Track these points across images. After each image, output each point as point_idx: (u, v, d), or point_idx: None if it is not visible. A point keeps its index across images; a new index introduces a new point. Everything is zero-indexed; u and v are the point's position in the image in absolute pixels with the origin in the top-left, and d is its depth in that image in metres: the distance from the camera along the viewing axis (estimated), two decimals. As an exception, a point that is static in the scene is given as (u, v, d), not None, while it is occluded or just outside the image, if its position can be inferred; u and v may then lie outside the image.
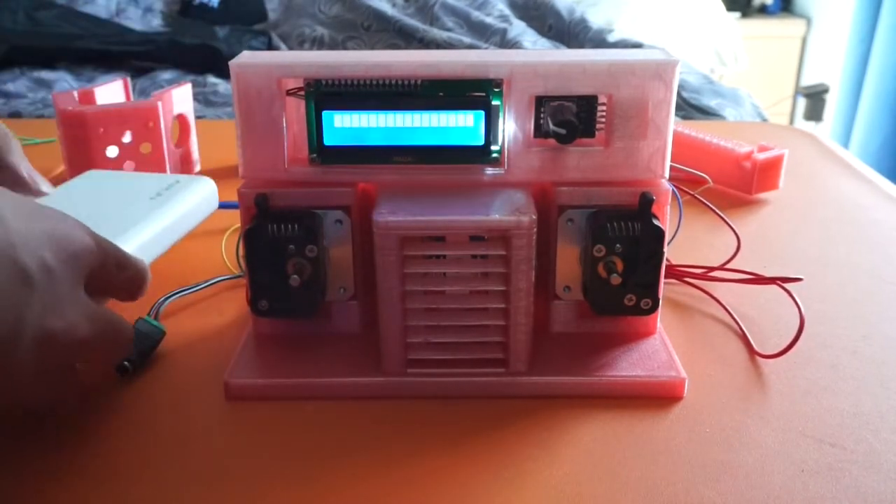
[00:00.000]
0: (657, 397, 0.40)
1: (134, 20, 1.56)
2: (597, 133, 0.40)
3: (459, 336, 0.40)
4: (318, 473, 0.35)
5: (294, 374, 0.40)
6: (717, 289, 0.50)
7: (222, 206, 0.64)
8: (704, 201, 0.52)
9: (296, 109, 0.40)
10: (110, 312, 0.37)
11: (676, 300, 0.49)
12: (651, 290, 0.41)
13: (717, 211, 0.52)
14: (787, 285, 0.46)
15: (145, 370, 0.42)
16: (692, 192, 0.51)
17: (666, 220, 0.41)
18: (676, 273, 0.51)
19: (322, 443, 0.37)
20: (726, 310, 0.48)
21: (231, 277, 0.51)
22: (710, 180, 0.63)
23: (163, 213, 0.48)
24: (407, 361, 0.40)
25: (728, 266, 0.51)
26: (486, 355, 0.40)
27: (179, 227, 0.49)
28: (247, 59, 0.40)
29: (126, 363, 0.41)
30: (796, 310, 0.43)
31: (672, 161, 0.41)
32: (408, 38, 1.47)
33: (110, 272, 0.38)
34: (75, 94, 0.67)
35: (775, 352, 0.43)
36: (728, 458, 0.36)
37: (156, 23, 1.59)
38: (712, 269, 0.51)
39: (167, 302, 0.47)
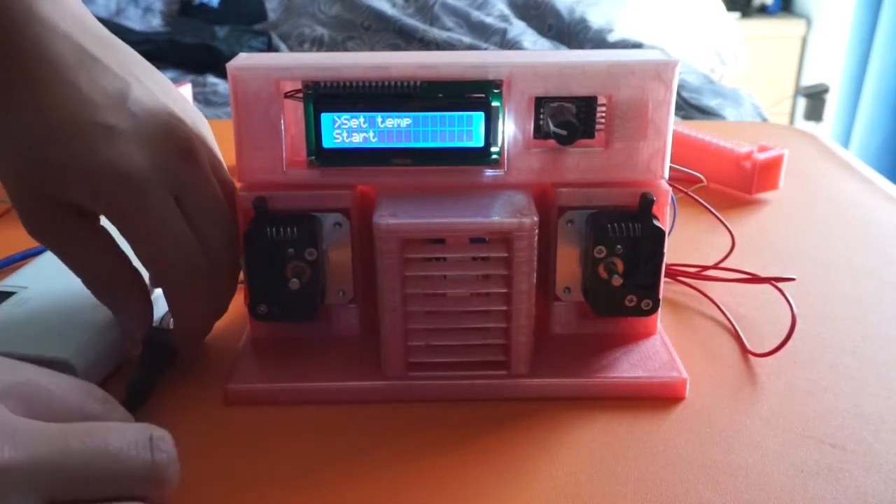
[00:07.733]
0: (659, 398, 0.40)
1: (134, 20, 1.56)
2: (596, 134, 0.40)
3: (460, 339, 0.40)
4: (319, 478, 0.35)
5: (294, 379, 0.40)
6: (712, 288, 0.50)
7: None
8: (699, 200, 0.51)
9: (293, 111, 0.40)
10: None
11: (672, 299, 0.49)
12: (651, 291, 0.41)
13: (712, 209, 0.52)
14: (780, 285, 0.46)
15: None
16: (685, 190, 0.51)
17: (666, 220, 0.41)
18: (670, 272, 0.51)
19: (323, 447, 0.37)
20: (720, 309, 0.48)
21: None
22: (703, 179, 0.63)
23: None
24: (408, 365, 0.40)
25: (726, 266, 0.51)
26: (487, 358, 0.40)
27: None
28: (244, 61, 0.40)
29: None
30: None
31: (670, 161, 0.41)
32: (408, 38, 1.47)
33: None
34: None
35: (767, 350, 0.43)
36: (728, 458, 0.36)
37: (155, 23, 1.59)
38: (706, 267, 0.51)
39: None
